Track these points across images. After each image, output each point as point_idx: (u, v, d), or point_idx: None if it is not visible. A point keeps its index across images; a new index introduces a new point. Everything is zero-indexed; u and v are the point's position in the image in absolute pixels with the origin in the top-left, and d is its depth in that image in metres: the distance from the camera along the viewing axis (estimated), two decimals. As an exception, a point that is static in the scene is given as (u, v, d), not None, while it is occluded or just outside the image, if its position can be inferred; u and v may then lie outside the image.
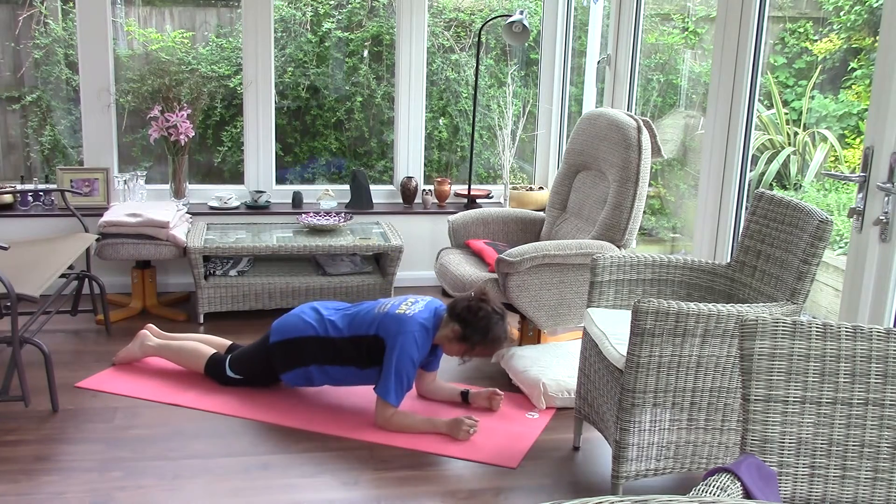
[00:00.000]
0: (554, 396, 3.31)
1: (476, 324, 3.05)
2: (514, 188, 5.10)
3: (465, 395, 3.35)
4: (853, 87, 4.21)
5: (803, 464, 1.72)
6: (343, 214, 4.66)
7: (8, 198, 4.51)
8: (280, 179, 5.16)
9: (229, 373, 3.41)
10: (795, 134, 4.53)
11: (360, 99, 5.39)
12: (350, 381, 3.26)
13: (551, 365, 3.44)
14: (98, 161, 4.69)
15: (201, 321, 4.20)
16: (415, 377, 3.14)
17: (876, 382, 1.72)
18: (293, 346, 3.25)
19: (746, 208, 3.26)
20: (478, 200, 5.06)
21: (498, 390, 3.34)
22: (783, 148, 4.51)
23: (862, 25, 4.20)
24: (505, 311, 3.14)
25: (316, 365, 3.24)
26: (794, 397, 1.72)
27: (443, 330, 3.11)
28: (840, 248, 3.68)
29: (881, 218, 2.43)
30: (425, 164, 5.20)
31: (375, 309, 3.21)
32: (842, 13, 4.33)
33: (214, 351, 3.49)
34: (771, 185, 4.47)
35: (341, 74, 5.42)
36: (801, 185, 4.43)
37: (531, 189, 5.12)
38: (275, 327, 3.32)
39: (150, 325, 3.75)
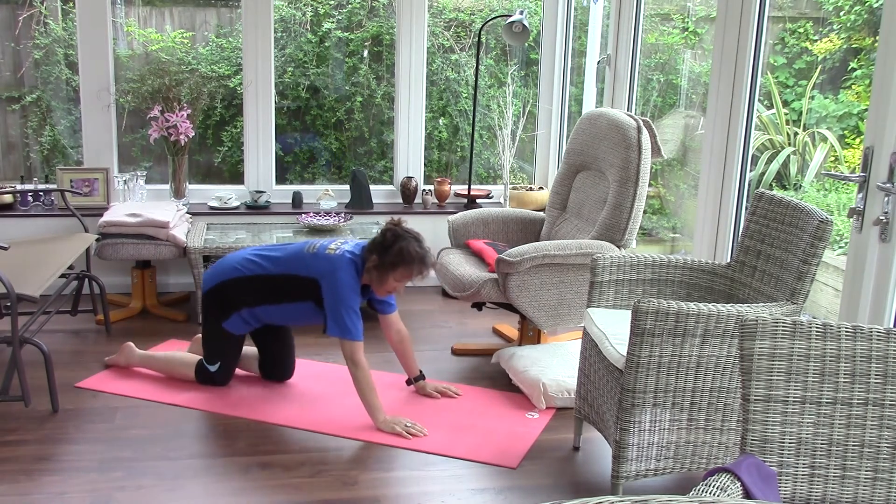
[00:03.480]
0: (554, 396, 3.31)
1: (384, 244, 3.06)
2: (514, 188, 5.10)
3: (409, 381, 3.44)
4: (853, 87, 4.21)
5: (803, 464, 1.72)
6: (343, 214, 4.66)
7: (8, 198, 4.51)
8: (281, 179, 5.16)
9: (210, 368, 3.38)
10: (795, 134, 4.53)
11: (360, 99, 5.39)
12: (292, 318, 3.27)
13: (551, 365, 3.44)
14: (98, 161, 4.69)
15: (201, 321, 4.19)
16: (360, 306, 3.12)
17: (876, 382, 1.72)
18: (222, 291, 3.27)
19: (746, 208, 3.26)
20: (478, 200, 5.06)
21: (454, 391, 3.41)
22: (783, 148, 4.51)
23: (862, 25, 4.20)
24: (419, 235, 3.15)
25: (247, 308, 3.25)
26: (794, 397, 1.72)
27: (367, 265, 3.11)
28: (840, 248, 3.68)
29: (881, 218, 2.43)
30: (425, 164, 5.20)
31: (305, 248, 3.21)
32: (842, 13, 4.33)
33: (200, 357, 3.45)
34: (771, 185, 4.47)
35: (341, 74, 5.42)
36: (801, 185, 4.43)
37: (531, 189, 5.12)
38: (204, 277, 3.35)
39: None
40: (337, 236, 3.32)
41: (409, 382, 3.46)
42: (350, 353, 3.06)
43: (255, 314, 3.28)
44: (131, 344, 3.61)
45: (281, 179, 5.21)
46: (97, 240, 4.09)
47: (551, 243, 3.48)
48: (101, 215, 4.22)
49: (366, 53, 5.42)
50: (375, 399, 3.11)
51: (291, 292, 3.18)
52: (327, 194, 4.93)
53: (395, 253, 3.05)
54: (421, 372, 3.45)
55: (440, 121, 5.55)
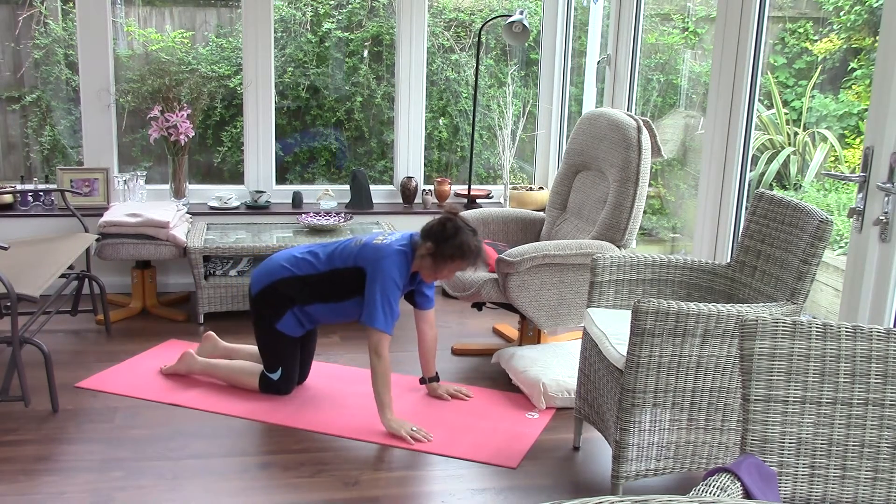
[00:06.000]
0: (554, 396, 3.31)
1: (445, 234, 3.05)
2: (514, 188, 5.10)
3: (423, 380, 3.43)
4: (853, 87, 4.21)
5: (803, 464, 1.72)
6: (343, 214, 4.66)
7: (8, 198, 4.51)
8: (281, 179, 5.16)
9: (272, 376, 3.33)
10: (795, 134, 4.53)
11: (360, 99, 5.39)
12: (340, 316, 3.26)
13: (551, 365, 3.44)
14: (98, 161, 4.69)
15: (201, 321, 4.20)
16: (398, 301, 3.11)
17: (876, 382, 1.72)
18: (274, 291, 3.24)
19: (746, 208, 3.26)
20: (478, 200, 5.06)
21: (465, 394, 3.41)
22: (783, 148, 4.51)
23: (862, 25, 4.20)
24: (476, 229, 3.15)
25: (298, 306, 3.23)
26: (794, 397, 1.72)
27: (418, 252, 3.11)
28: (840, 248, 3.68)
29: (881, 218, 2.43)
30: (425, 164, 5.20)
31: (352, 243, 3.21)
32: (842, 13, 4.33)
33: (262, 368, 3.39)
34: (771, 185, 4.47)
35: (341, 74, 5.42)
36: (801, 185, 4.43)
37: (531, 189, 5.12)
38: (252, 278, 3.32)
39: (210, 332, 3.62)
40: (378, 232, 3.31)
41: (422, 381, 3.45)
42: (375, 344, 3.05)
43: (306, 312, 3.25)
44: (191, 351, 3.51)
45: (281, 179, 5.21)
46: (97, 240, 4.09)
47: (551, 243, 3.48)
48: (101, 215, 4.22)
49: (366, 53, 5.42)
50: (388, 396, 3.09)
51: (341, 289, 3.17)
52: (327, 194, 4.93)
53: (455, 245, 3.05)
54: (437, 374, 3.44)
55: (440, 121, 5.55)
